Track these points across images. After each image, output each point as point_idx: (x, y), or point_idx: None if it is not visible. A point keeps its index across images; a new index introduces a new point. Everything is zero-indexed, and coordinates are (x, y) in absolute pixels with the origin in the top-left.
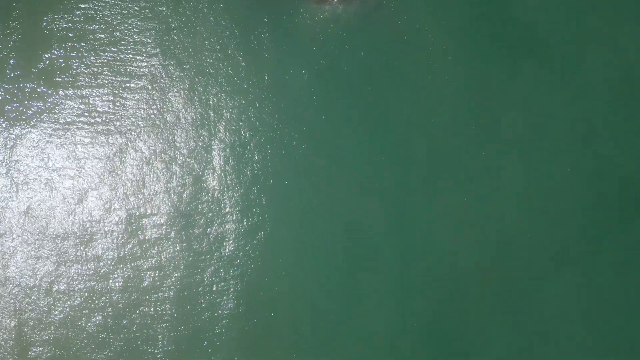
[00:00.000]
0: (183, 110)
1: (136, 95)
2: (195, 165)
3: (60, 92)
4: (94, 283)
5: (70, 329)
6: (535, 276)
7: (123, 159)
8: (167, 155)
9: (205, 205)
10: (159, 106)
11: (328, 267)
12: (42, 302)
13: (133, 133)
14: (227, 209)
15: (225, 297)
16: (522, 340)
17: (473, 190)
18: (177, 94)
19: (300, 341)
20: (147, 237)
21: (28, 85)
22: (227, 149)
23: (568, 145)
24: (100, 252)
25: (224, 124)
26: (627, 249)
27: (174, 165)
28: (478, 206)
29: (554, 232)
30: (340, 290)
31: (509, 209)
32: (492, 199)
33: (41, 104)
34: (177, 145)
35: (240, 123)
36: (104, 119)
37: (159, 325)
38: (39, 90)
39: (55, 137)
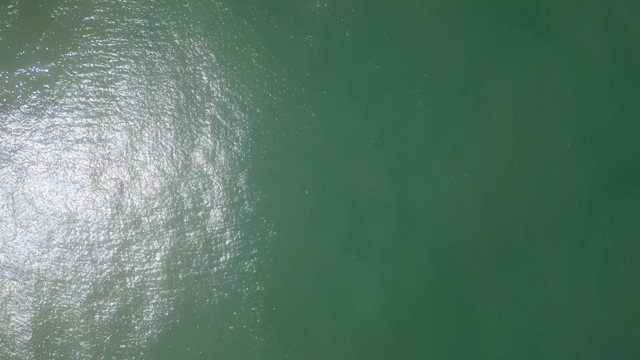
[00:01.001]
0: (174, 91)
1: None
2: (185, 148)
3: (61, 76)
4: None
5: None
6: (534, 249)
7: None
8: (166, 138)
9: (195, 180)
10: (148, 87)
11: (325, 246)
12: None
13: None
14: (222, 188)
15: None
16: (522, 314)
17: (471, 165)
18: (175, 72)
19: (294, 317)
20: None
21: (30, 69)
22: (223, 130)
23: (565, 119)
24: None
25: (217, 103)
26: (623, 221)
27: (172, 153)
28: (476, 181)
29: (552, 207)
30: (336, 266)
31: (507, 183)
32: (490, 174)
33: (44, 89)
34: (170, 126)
35: (237, 104)
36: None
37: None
38: (38, 72)
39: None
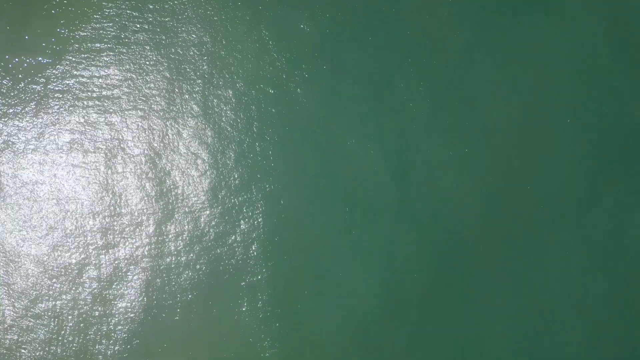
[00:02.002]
0: (177, 69)
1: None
2: (179, 129)
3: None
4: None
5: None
6: (534, 244)
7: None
8: (160, 119)
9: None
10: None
11: (323, 239)
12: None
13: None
14: (216, 176)
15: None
16: (522, 310)
17: (473, 139)
18: (175, 51)
19: (297, 293)
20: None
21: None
22: (224, 103)
23: (568, 96)
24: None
25: (213, 85)
26: (627, 198)
27: (166, 134)
28: (478, 155)
29: (555, 181)
30: (338, 241)
31: (509, 158)
32: (492, 149)
33: (47, 76)
34: (164, 107)
35: (239, 76)
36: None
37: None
38: (30, 59)
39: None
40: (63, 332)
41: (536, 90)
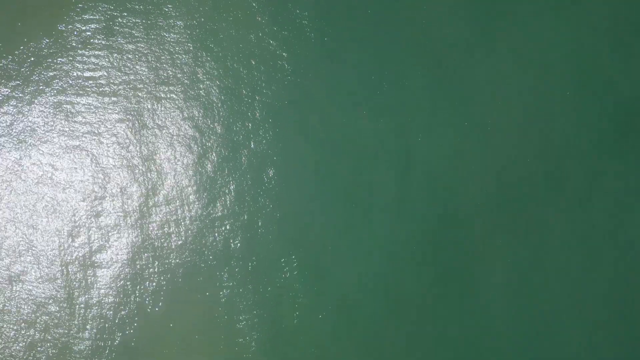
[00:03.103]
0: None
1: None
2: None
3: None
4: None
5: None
6: (536, 201)
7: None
8: (164, 91)
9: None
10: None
11: (328, 199)
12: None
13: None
14: (221, 141)
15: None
16: (522, 267)
17: (473, 116)
18: (172, 31)
19: (297, 267)
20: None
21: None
22: (220, 82)
23: (569, 69)
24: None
25: (213, 56)
26: (626, 174)
27: (163, 105)
28: (478, 132)
29: (554, 157)
30: (340, 220)
31: (508, 135)
32: (492, 125)
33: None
34: (169, 73)
35: (238, 51)
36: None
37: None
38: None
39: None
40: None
41: (537, 81)
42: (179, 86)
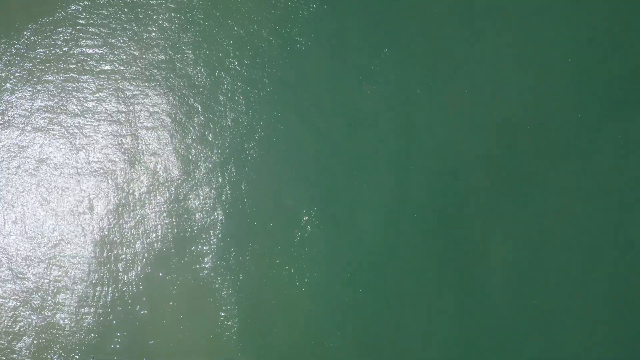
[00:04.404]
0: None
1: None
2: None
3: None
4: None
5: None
6: (538, 167)
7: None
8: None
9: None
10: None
11: (326, 165)
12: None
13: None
14: (221, 105)
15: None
16: (522, 231)
17: (473, 81)
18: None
19: (296, 232)
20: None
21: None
22: (219, 47)
23: (569, 36)
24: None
25: (215, 21)
26: (626, 139)
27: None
28: (478, 97)
29: (555, 122)
30: (339, 187)
31: (509, 99)
32: (492, 90)
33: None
34: (167, 51)
35: (234, 20)
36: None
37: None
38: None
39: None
40: None
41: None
42: (169, 65)
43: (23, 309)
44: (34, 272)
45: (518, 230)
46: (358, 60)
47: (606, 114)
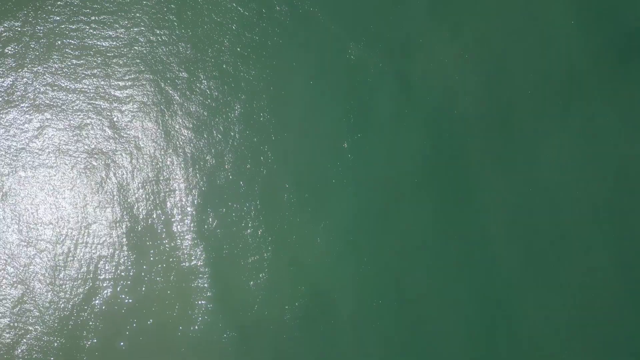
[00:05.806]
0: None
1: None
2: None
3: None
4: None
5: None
6: (533, 123)
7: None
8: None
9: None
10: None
11: (325, 121)
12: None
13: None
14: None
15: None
16: (518, 184)
17: (473, 33)
18: None
19: (296, 195)
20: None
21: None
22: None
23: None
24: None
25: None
26: (629, 94)
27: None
28: (478, 48)
29: (557, 73)
30: (338, 142)
31: (509, 48)
32: (493, 40)
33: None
34: (163, 39)
35: None
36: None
37: None
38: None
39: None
40: None
41: None
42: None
43: None
44: None
45: (514, 180)
46: (353, 17)
47: (613, 66)
